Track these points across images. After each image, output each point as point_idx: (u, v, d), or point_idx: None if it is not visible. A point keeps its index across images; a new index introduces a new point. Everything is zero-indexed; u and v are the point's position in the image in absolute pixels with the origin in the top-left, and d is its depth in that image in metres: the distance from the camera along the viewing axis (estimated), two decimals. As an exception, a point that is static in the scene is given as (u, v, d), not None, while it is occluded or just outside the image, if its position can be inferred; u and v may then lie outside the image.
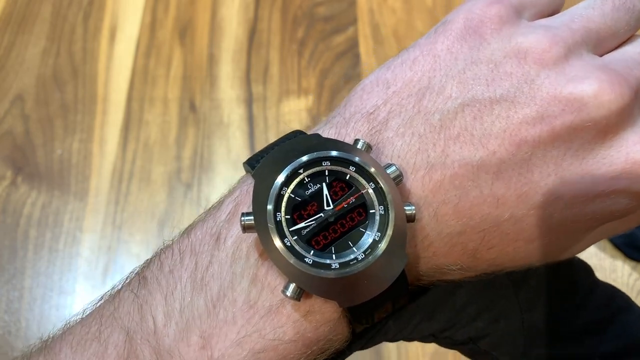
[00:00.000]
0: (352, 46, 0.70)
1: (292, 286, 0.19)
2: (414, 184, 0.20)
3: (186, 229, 0.21)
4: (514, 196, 0.20)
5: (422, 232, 0.20)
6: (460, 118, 0.20)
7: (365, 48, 0.70)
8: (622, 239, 0.55)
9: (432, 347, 0.54)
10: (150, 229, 0.59)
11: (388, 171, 0.20)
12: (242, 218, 0.19)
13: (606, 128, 0.20)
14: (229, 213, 0.21)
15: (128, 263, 0.58)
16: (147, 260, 0.21)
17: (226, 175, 0.62)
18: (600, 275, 0.55)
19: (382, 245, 0.19)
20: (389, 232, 0.19)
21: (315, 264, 0.19)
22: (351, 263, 0.19)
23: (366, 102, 0.22)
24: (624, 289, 0.55)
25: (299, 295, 0.19)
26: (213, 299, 0.19)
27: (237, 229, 0.20)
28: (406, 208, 0.20)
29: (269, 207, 0.19)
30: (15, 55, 0.71)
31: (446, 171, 0.20)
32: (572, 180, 0.20)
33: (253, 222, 0.19)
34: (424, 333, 0.24)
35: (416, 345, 0.54)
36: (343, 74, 0.68)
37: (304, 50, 0.70)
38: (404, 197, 0.20)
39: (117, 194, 0.61)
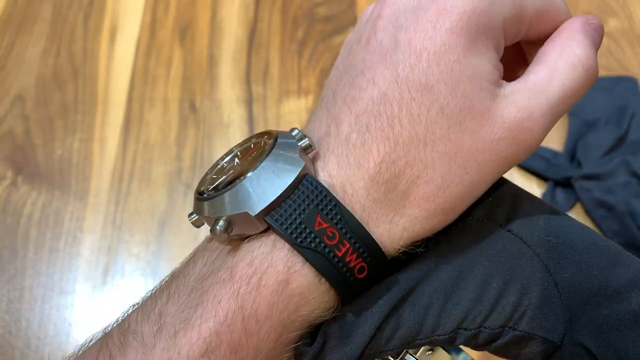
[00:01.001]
0: (352, 46, 0.70)
1: (219, 223, 0.21)
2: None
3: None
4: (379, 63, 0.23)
5: (332, 151, 0.22)
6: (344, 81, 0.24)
7: (365, 48, 0.70)
8: (622, 239, 0.55)
9: (432, 347, 0.54)
10: (151, 229, 0.59)
11: (292, 132, 0.23)
12: (189, 217, 0.24)
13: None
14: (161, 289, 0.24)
15: (128, 263, 0.58)
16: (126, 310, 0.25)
17: (226, 176, 0.62)
18: (599, 275, 0.55)
19: (267, 150, 0.22)
20: (272, 143, 0.22)
21: (218, 192, 0.22)
22: (241, 175, 0.22)
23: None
24: (623, 288, 0.55)
25: (225, 227, 0.21)
26: (173, 290, 0.22)
27: (202, 246, 0.24)
28: (300, 142, 0.22)
29: (194, 199, 0.23)
30: (15, 55, 0.71)
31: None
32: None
33: (193, 216, 0.23)
34: (451, 324, 0.22)
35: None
36: (343, 74, 0.68)
37: (304, 51, 0.70)
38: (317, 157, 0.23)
39: (117, 194, 0.61)
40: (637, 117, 0.61)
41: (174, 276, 0.23)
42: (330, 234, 0.21)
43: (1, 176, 0.62)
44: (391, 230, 0.22)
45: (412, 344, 0.22)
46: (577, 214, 0.58)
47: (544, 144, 0.62)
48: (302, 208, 0.21)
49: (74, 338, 0.54)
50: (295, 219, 0.21)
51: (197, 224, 0.24)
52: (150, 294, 0.23)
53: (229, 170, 0.23)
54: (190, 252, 0.25)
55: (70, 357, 0.22)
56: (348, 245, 0.21)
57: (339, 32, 0.72)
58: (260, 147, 0.23)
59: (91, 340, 0.23)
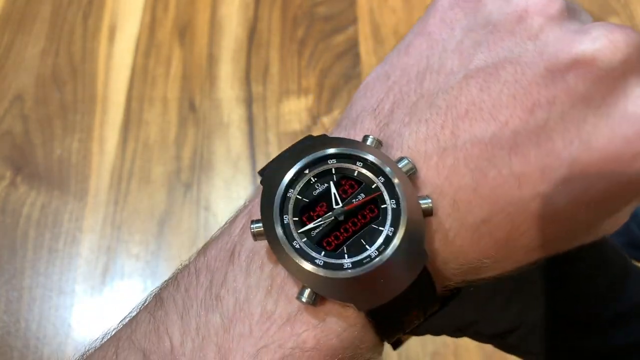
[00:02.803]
0: (352, 46, 0.70)
1: (306, 291, 0.18)
2: (428, 173, 0.18)
3: (202, 247, 0.21)
4: (536, 171, 0.17)
5: (443, 225, 0.18)
6: (465, 93, 0.18)
7: (365, 48, 0.70)
8: (623, 239, 0.55)
9: (432, 346, 0.54)
10: (150, 229, 0.59)
11: (400, 165, 0.18)
12: (252, 226, 0.18)
13: (625, 76, 0.17)
14: (242, 226, 0.20)
15: (127, 263, 0.57)
16: (165, 280, 0.21)
17: (226, 175, 0.62)
18: (600, 275, 0.55)
19: (396, 241, 0.18)
20: (402, 225, 0.18)
21: (327, 265, 0.18)
22: (364, 262, 0.18)
23: (370, 98, 0.21)
24: (624, 289, 0.55)
25: (314, 300, 0.18)
26: (229, 314, 0.18)
27: (250, 241, 0.19)
28: (422, 202, 0.18)
29: (275, 210, 0.19)
30: (14, 55, 0.71)
31: (459, 154, 0.18)
32: (600, 144, 0.17)
33: (262, 228, 0.18)
34: (451, 327, 0.23)
35: (416, 345, 0.54)
36: (343, 74, 0.68)
37: (304, 50, 0.70)
38: (419, 189, 0.19)
39: (116, 194, 0.61)
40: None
41: (218, 280, 0.19)
42: (416, 320, 0.20)
43: (0, 176, 0.62)
44: (449, 288, 0.21)
45: (419, 334, 0.23)
46: (577, 214, 0.58)
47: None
48: (407, 309, 0.19)
49: (73, 338, 0.54)
50: (397, 315, 0.19)
51: (259, 239, 0.19)
52: (182, 303, 0.19)
53: (323, 203, 0.19)
54: (225, 230, 0.21)
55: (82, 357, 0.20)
56: (422, 319, 0.20)
57: (339, 32, 0.71)
58: (367, 186, 0.19)
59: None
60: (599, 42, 0.17)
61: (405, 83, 0.20)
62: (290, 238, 0.18)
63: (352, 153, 0.19)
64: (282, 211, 0.19)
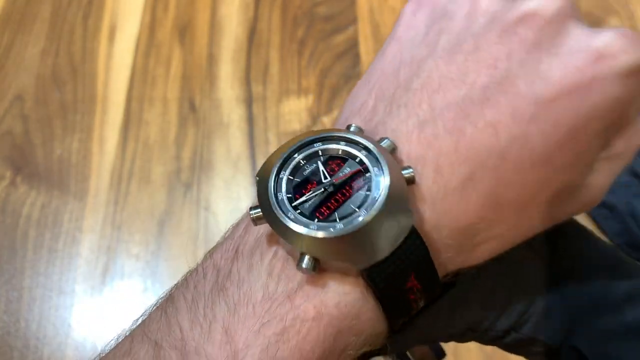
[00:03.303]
0: (352, 46, 0.70)
1: (305, 258, 0.19)
2: (410, 147, 0.20)
3: (209, 251, 0.22)
4: (508, 115, 0.19)
5: (429, 192, 0.20)
6: (435, 71, 0.21)
7: (365, 48, 0.70)
8: (623, 239, 0.55)
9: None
10: (150, 229, 0.59)
11: (381, 144, 0.20)
12: (251, 212, 0.20)
13: (564, 20, 0.21)
14: (244, 228, 0.21)
15: (127, 263, 0.57)
16: (177, 282, 0.22)
17: (226, 175, 0.62)
18: (600, 275, 0.55)
19: (382, 198, 0.19)
20: (387, 188, 0.20)
21: (320, 227, 0.19)
22: (354, 220, 0.19)
23: (355, 103, 0.23)
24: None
25: (314, 266, 0.19)
26: (234, 300, 0.20)
27: (252, 239, 0.21)
28: (404, 172, 0.20)
29: (270, 190, 0.20)
30: (14, 55, 0.71)
31: (437, 122, 0.20)
32: (557, 77, 0.19)
33: (260, 212, 0.20)
34: (461, 326, 0.24)
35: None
36: (343, 74, 0.68)
37: (304, 50, 0.70)
38: (402, 162, 0.20)
39: (116, 194, 0.61)
40: (638, 117, 0.61)
41: (224, 274, 0.20)
42: (416, 291, 0.20)
43: (0, 176, 0.62)
44: (449, 270, 0.22)
45: (426, 341, 0.23)
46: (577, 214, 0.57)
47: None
48: (401, 268, 0.20)
49: (73, 338, 0.54)
50: (393, 278, 0.20)
51: (258, 223, 0.20)
52: (191, 296, 0.20)
53: (313, 180, 0.21)
54: (231, 232, 0.22)
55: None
56: (425, 297, 0.21)
57: (339, 32, 0.71)
58: (352, 162, 0.21)
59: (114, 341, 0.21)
60: (537, 0, 0.21)
61: (384, 81, 0.22)
62: (285, 211, 0.20)
63: (335, 134, 0.21)
64: (276, 190, 0.21)
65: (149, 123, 0.65)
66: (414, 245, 0.20)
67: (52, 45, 0.72)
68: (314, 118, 0.65)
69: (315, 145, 0.21)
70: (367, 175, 0.20)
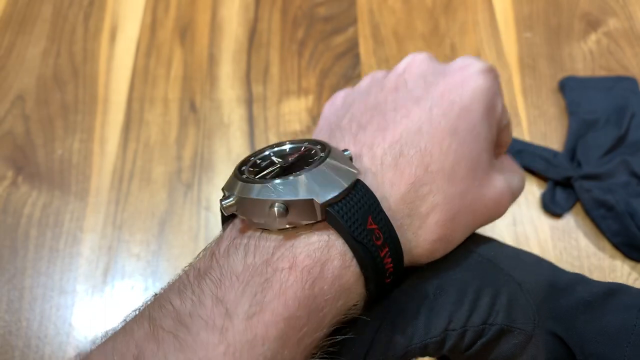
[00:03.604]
0: (352, 46, 0.70)
1: (275, 205, 0.22)
2: (352, 149, 0.26)
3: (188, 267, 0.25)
4: (415, 108, 0.27)
5: (370, 170, 0.25)
6: (357, 112, 0.29)
7: (365, 48, 0.70)
8: (621, 239, 0.55)
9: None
10: (151, 228, 0.59)
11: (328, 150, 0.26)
12: (222, 202, 0.24)
13: (424, 74, 0.29)
14: (216, 241, 0.24)
15: (128, 263, 0.58)
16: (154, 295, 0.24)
17: (226, 175, 0.62)
18: (599, 275, 0.55)
19: (327, 152, 0.24)
20: (331, 149, 0.25)
21: (283, 178, 0.23)
22: (309, 167, 0.24)
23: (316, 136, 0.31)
24: (623, 288, 0.55)
25: (284, 209, 0.22)
26: (217, 277, 0.22)
27: (225, 242, 0.24)
28: (345, 153, 0.25)
29: (236, 176, 0.25)
30: (15, 55, 0.71)
31: (366, 128, 0.27)
32: (442, 86, 0.28)
33: (231, 199, 0.23)
34: (441, 328, 0.25)
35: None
36: (343, 74, 0.68)
37: (304, 51, 0.70)
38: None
39: (117, 194, 0.61)
40: (637, 117, 0.61)
41: (204, 268, 0.23)
42: (377, 235, 0.23)
43: (1, 176, 0.62)
44: (408, 245, 0.25)
45: (408, 350, 0.25)
46: (577, 214, 0.58)
47: (544, 144, 0.62)
48: (357, 207, 0.23)
49: (74, 338, 0.54)
50: (354, 214, 0.23)
51: (230, 211, 0.24)
52: (177, 287, 0.23)
53: (277, 162, 0.25)
54: (207, 247, 0.24)
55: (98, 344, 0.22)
56: (387, 249, 0.23)
57: (339, 32, 0.72)
58: (312, 151, 0.25)
59: (104, 336, 0.22)
60: (405, 62, 0.30)
61: (324, 125, 0.31)
62: (251, 180, 0.24)
63: (281, 142, 0.27)
64: (241, 174, 0.25)
65: (149, 123, 0.66)
66: (363, 190, 0.24)
67: (53, 45, 0.72)
68: (314, 118, 0.65)
69: (266, 150, 0.27)
70: (312, 152, 0.25)
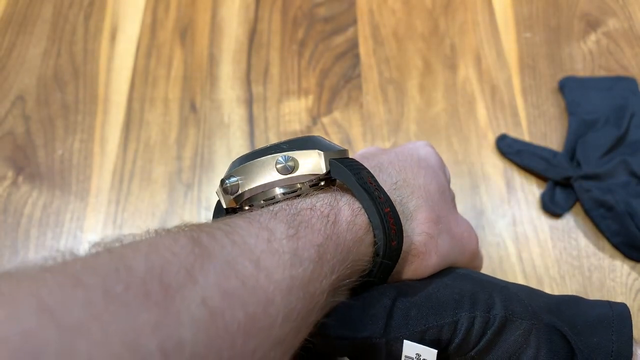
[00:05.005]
0: (352, 47, 0.70)
1: (283, 162, 0.26)
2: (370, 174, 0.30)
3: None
4: (409, 155, 0.34)
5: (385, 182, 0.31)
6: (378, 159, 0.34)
7: (365, 49, 0.70)
8: (621, 239, 0.55)
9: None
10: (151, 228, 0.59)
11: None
12: (227, 181, 0.27)
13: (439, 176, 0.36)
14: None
15: (129, 263, 0.58)
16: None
17: (226, 176, 0.62)
18: (599, 275, 0.55)
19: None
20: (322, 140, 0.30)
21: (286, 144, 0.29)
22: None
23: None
24: (622, 288, 0.55)
25: (293, 165, 0.26)
26: (247, 222, 0.24)
27: (239, 218, 0.26)
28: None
29: (237, 160, 0.30)
30: (16, 55, 0.71)
31: (385, 168, 0.33)
32: (422, 178, 0.33)
33: (236, 178, 0.27)
34: (449, 314, 0.28)
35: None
36: (343, 75, 0.68)
37: (304, 51, 0.70)
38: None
39: (117, 194, 0.61)
40: (636, 117, 0.61)
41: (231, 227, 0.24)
42: (377, 192, 0.26)
43: (2, 176, 0.62)
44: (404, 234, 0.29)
45: (426, 330, 0.27)
46: (576, 214, 0.58)
47: (544, 144, 0.62)
48: (357, 167, 0.27)
49: (74, 337, 0.54)
50: (356, 167, 0.27)
51: (234, 189, 0.27)
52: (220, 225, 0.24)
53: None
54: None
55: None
56: (389, 210, 0.26)
57: (338, 32, 0.72)
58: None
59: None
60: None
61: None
62: (250, 157, 0.28)
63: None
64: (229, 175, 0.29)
65: (150, 123, 0.66)
66: (357, 161, 0.28)
67: (53, 46, 0.72)
68: (314, 118, 0.65)
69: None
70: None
